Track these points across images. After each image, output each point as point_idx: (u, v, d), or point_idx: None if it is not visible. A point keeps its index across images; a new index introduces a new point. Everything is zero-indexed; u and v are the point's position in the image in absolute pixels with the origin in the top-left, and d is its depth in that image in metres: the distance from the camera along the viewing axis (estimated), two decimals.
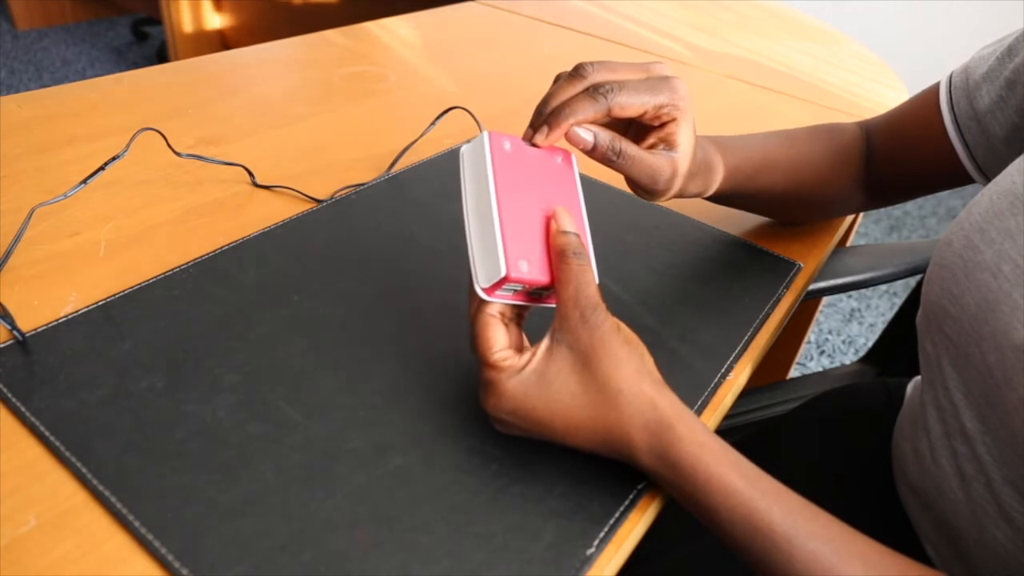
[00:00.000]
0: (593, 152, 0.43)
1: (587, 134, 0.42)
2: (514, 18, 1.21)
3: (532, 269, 0.39)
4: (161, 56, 2.94)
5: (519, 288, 0.39)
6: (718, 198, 0.59)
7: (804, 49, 1.23)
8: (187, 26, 2.66)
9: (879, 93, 1.07)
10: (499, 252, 0.38)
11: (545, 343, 0.39)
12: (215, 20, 2.76)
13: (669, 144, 0.46)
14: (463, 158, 0.42)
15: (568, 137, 0.42)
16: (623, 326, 0.40)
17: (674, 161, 0.46)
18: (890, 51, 1.80)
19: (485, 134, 0.40)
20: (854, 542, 0.37)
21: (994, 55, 0.55)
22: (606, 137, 0.43)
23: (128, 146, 0.58)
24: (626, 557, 0.39)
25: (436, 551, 0.36)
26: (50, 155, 0.65)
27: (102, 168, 0.56)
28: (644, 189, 0.47)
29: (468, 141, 0.41)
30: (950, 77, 0.58)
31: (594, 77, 0.43)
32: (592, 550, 0.37)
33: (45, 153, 0.65)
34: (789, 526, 0.36)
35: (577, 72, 0.43)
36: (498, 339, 0.39)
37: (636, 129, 0.47)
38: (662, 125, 0.45)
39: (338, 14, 2.43)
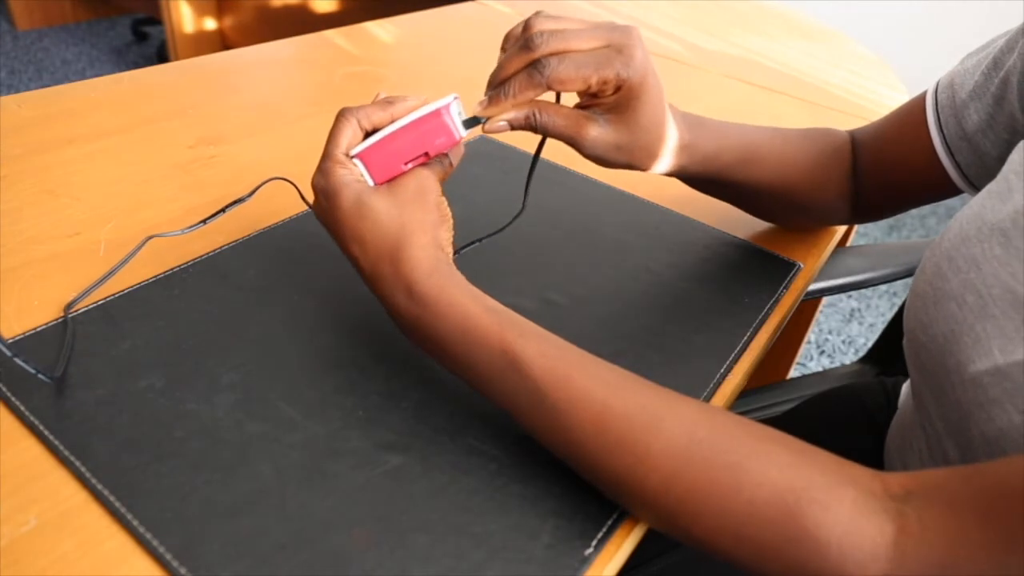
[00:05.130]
0: (516, 129, 0.45)
1: (502, 125, 0.44)
2: (514, 18, 1.21)
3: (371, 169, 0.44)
4: (161, 56, 2.94)
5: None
6: (695, 181, 0.58)
7: (804, 49, 1.23)
8: (187, 26, 2.67)
9: (879, 93, 1.07)
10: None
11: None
12: (215, 20, 2.76)
13: (613, 110, 0.45)
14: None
15: (485, 130, 0.45)
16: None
17: (611, 132, 0.46)
18: (890, 51, 1.80)
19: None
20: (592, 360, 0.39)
21: (979, 68, 0.53)
22: (520, 116, 0.44)
23: (252, 192, 0.55)
24: (625, 558, 0.39)
25: (435, 550, 0.36)
26: (50, 155, 0.65)
27: (223, 211, 0.55)
28: (588, 156, 0.47)
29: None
30: (935, 92, 0.56)
31: (541, 49, 0.42)
32: (591, 550, 0.37)
33: (45, 153, 0.65)
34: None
35: (525, 42, 0.43)
36: (348, 140, 0.43)
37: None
38: (614, 95, 0.45)
39: (338, 14, 2.43)
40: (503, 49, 0.46)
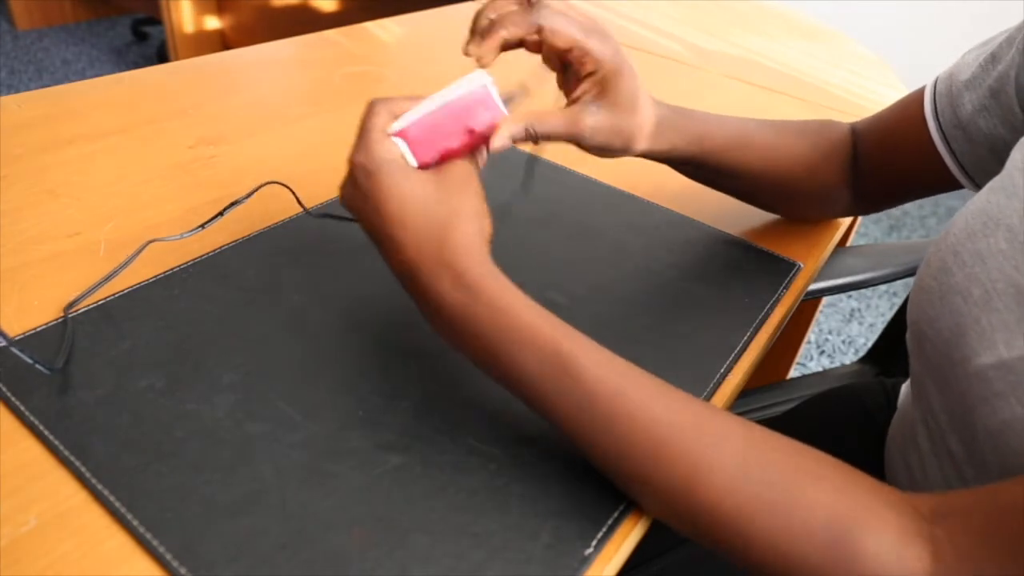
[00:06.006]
0: (517, 143, 0.45)
1: (503, 140, 0.43)
2: None
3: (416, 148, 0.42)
4: (161, 56, 2.94)
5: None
6: (687, 166, 0.58)
7: (804, 49, 1.23)
8: (187, 26, 2.67)
9: (879, 93, 1.07)
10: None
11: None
12: (215, 20, 2.76)
13: (601, 93, 0.47)
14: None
15: (490, 146, 0.44)
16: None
17: (604, 117, 0.47)
18: (890, 51, 1.80)
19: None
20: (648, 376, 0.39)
21: (977, 61, 0.54)
22: (519, 130, 0.44)
23: (249, 195, 0.57)
24: (625, 558, 0.39)
25: (434, 551, 0.36)
26: (50, 155, 0.65)
27: (220, 215, 0.56)
28: (592, 148, 0.49)
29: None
30: (935, 82, 0.57)
31: None
32: (590, 550, 0.37)
33: (45, 153, 0.65)
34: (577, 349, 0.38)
35: None
36: (384, 121, 0.41)
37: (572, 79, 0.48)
38: (592, 75, 0.46)
39: (338, 14, 2.43)
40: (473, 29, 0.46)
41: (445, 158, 0.42)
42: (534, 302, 0.40)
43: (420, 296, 0.40)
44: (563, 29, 0.44)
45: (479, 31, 0.44)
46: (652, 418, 0.36)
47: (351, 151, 0.41)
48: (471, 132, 0.42)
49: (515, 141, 0.45)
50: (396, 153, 0.41)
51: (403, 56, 1.01)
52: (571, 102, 0.48)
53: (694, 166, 0.58)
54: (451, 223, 0.39)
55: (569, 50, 0.45)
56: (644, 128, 0.50)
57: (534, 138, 0.46)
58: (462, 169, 0.42)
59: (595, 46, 0.45)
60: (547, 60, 0.48)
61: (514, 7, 0.44)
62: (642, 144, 0.51)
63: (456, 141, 0.42)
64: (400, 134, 0.41)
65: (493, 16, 0.44)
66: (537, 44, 0.45)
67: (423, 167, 0.42)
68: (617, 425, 0.37)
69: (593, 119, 0.47)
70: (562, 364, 0.37)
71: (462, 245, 0.39)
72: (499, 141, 0.44)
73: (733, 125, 0.57)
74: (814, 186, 0.62)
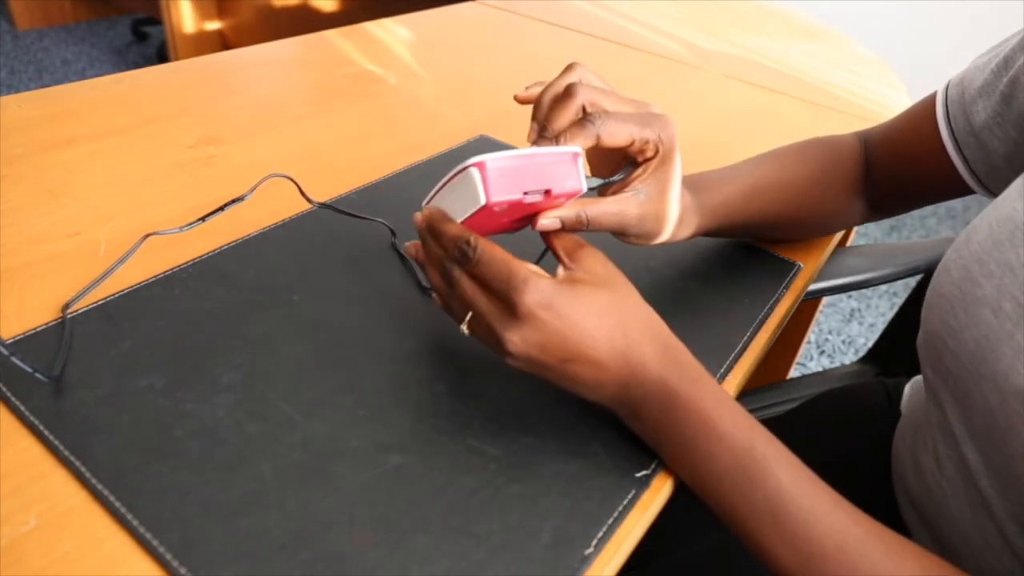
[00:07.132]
0: (566, 228, 0.45)
1: (553, 221, 0.43)
2: (514, 18, 1.21)
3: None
4: (161, 56, 2.94)
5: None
6: (713, 234, 0.58)
7: (804, 49, 1.23)
8: (187, 26, 2.67)
9: (879, 93, 1.07)
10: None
11: (565, 272, 0.42)
12: (215, 20, 2.76)
13: (650, 182, 0.47)
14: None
15: (537, 226, 0.44)
16: None
17: (649, 204, 0.47)
18: (890, 51, 1.80)
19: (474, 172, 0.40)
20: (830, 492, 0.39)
21: (989, 66, 0.53)
22: (571, 214, 0.44)
23: (252, 190, 0.58)
24: (625, 557, 0.39)
25: (434, 551, 0.36)
26: (50, 155, 0.65)
27: (222, 209, 0.57)
28: (636, 237, 0.49)
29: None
30: (946, 89, 0.56)
31: (583, 97, 0.44)
32: (591, 550, 0.37)
33: (45, 153, 0.65)
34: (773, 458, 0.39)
35: (567, 92, 0.44)
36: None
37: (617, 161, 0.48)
38: (646, 162, 0.46)
39: (338, 14, 2.44)
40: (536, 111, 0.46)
41: (510, 209, 0.41)
42: (724, 390, 0.41)
43: (635, 387, 0.41)
44: (619, 132, 0.44)
45: (538, 138, 0.45)
46: (841, 533, 0.37)
47: (511, 299, 0.38)
48: (547, 193, 0.41)
49: (565, 225, 0.44)
50: (549, 280, 0.39)
51: (403, 56, 1.01)
52: (621, 189, 0.47)
53: (716, 233, 0.58)
54: (633, 312, 0.42)
55: (630, 144, 0.45)
56: (683, 212, 0.51)
57: (585, 225, 0.45)
58: (604, 262, 0.43)
59: (653, 134, 0.45)
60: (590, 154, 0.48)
61: (569, 120, 0.44)
62: (677, 230, 0.51)
63: (529, 196, 0.41)
64: (478, 165, 0.39)
65: (550, 136, 0.44)
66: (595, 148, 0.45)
67: (486, 208, 0.40)
68: (802, 532, 0.37)
69: (640, 208, 0.47)
70: (755, 461, 0.38)
71: (653, 325, 0.42)
72: (548, 221, 0.43)
73: (742, 179, 0.57)
74: (830, 206, 0.61)
